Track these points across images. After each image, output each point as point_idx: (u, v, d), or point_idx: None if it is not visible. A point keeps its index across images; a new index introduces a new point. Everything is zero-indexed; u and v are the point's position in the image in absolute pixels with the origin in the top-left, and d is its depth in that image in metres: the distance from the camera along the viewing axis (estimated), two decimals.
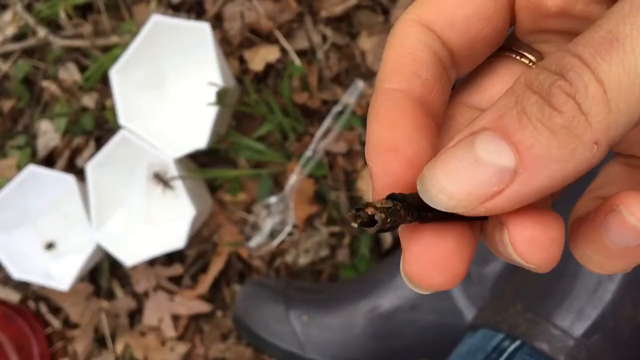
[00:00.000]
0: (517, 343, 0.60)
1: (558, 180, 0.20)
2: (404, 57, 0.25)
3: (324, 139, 0.89)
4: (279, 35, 0.93)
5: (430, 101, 0.24)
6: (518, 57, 0.27)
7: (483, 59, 0.27)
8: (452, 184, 0.20)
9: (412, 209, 0.22)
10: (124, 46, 0.93)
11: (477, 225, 0.24)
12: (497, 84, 0.27)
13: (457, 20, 0.25)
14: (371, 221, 0.22)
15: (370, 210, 0.22)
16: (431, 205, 0.21)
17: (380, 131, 0.23)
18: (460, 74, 0.27)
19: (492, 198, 0.20)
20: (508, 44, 0.27)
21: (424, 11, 0.25)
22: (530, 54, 0.27)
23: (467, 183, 0.20)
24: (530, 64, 0.27)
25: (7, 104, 1.03)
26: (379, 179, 0.23)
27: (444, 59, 0.25)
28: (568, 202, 0.27)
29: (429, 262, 0.23)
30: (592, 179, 0.28)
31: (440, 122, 0.26)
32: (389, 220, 0.22)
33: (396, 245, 0.87)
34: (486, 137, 0.20)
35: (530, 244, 0.22)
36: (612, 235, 0.22)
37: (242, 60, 0.95)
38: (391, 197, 0.22)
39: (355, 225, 0.22)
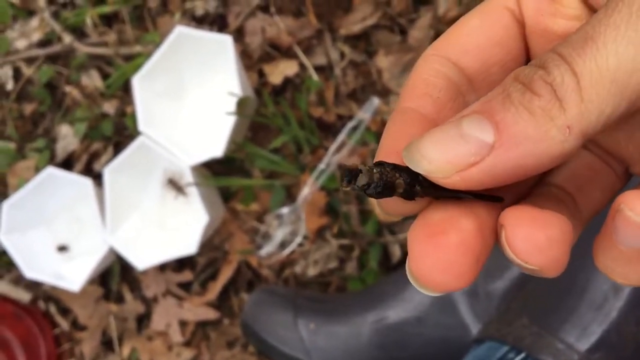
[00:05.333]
0: (522, 355, 0.61)
1: (529, 159, 0.22)
2: (417, 81, 0.27)
3: (338, 152, 0.91)
4: (298, 50, 0.96)
5: (441, 118, 0.26)
6: None
7: None
8: (434, 151, 0.22)
9: (402, 172, 0.23)
10: (146, 55, 0.95)
11: (488, 226, 0.24)
12: None
13: (471, 47, 0.27)
14: (364, 186, 0.23)
15: (353, 166, 0.23)
16: (411, 167, 0.23)
17: (388, 140, 0.26)
18: None
19: (469, 168, 0.22)
20: None
21: (441, 44, 0.28)
22: None
23: (448, 152, 0.22)
24: None
25: (29, 108, 1.06)
26: None
27: (460, 83, 0.27)
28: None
29: (435, 262, 0.22)
30: None
31: None
32: (376, 179, 0.23)
33: (405, 259, 0.88)
34: (473, 117, 0.22)
35: (525, 243, 0.22)
36: (621, 236, 0.22)
37: (261, 74, 0.97)
38: (380, 163, 0.24)
39: (345, 187, 0.23)
